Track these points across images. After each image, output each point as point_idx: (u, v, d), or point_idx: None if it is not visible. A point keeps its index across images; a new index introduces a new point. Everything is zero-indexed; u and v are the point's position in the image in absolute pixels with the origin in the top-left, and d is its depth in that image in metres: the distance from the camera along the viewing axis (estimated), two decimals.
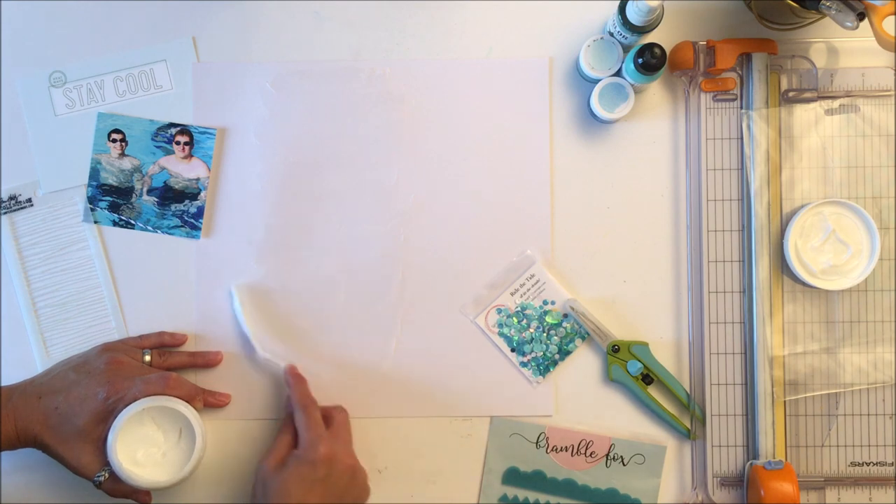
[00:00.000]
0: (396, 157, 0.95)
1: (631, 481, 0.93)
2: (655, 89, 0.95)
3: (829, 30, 0.94)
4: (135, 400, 0.87)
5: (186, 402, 0.89)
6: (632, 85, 0.92)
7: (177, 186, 0.95)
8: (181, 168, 0.95)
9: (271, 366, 0.93)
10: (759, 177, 0.92)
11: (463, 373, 0.94)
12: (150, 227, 0.95)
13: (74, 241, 0.95)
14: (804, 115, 0.93)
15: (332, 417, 0.90)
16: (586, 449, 0.94)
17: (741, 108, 0.93)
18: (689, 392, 0.94)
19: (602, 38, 0.93)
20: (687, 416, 0.94)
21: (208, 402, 0.93)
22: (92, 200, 0.95)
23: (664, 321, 0.95)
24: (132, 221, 0.95)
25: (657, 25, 0.89)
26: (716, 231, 0.93)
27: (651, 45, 0.88)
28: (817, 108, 0.93)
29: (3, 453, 0.91)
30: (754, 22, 0.93)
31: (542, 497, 0.93)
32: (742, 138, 0.93)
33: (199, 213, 0.95)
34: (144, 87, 0.95)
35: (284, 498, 0.83)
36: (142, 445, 0.87)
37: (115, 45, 0.95)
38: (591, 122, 0.95)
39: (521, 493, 0.94)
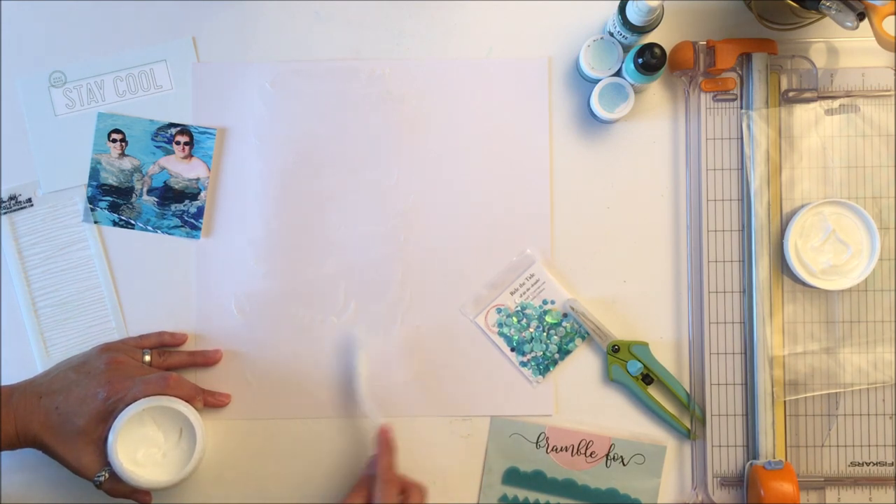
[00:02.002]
0: (396, 157, 0.95)
1: (631, 481, 0.93)
2: (655, 89, 0.95)
3: (829, 30, 0.94)
4: (135, 400, 0.87)
5: (186, 402, 0.89)
6: (632, 85, 0.92)
7: (177, 186, 0.95)
8: (181, 168, 0.95)
9: (371, 419, 0.92)
10: (759, 177, 0.92)
11: (463, 373, 0.94)
12: (150, 227, 0.95)
13: (74, 241, 0.95)
14: (804, 115, 0.93)
15: (408, 495, 0.87)
16: (586, 449, 0.94)
17: (741, 108, 0.93)
18: (689, 392, 0.93)
19: (602, 38, 0.93)
20: (687, 416, 0.94)
21: (208, 402, 0.93)
22: (92, 200, 0.95)
23: (664, 321, 0.95)
24: (132, 221, 0.95)
25: (657, 25, 0.89)
26: (716, 231, 0.93)
27: (651, 45, 0.88)
28: (817, 108, 0.93)
29: (3, 453, 0.91)
30: (754, 22, 0.93)
31: (542, 497, 0.93)
32: (742, 138, 0.93)
33: (199, 213, 0.95)
34: (144, 87, 0.95)
35: None
36: (142, 445, 0.87)
37: (115, 45, 0.95)
38: (591, 122, 0.95)
39: (521, 493, 0.94)
